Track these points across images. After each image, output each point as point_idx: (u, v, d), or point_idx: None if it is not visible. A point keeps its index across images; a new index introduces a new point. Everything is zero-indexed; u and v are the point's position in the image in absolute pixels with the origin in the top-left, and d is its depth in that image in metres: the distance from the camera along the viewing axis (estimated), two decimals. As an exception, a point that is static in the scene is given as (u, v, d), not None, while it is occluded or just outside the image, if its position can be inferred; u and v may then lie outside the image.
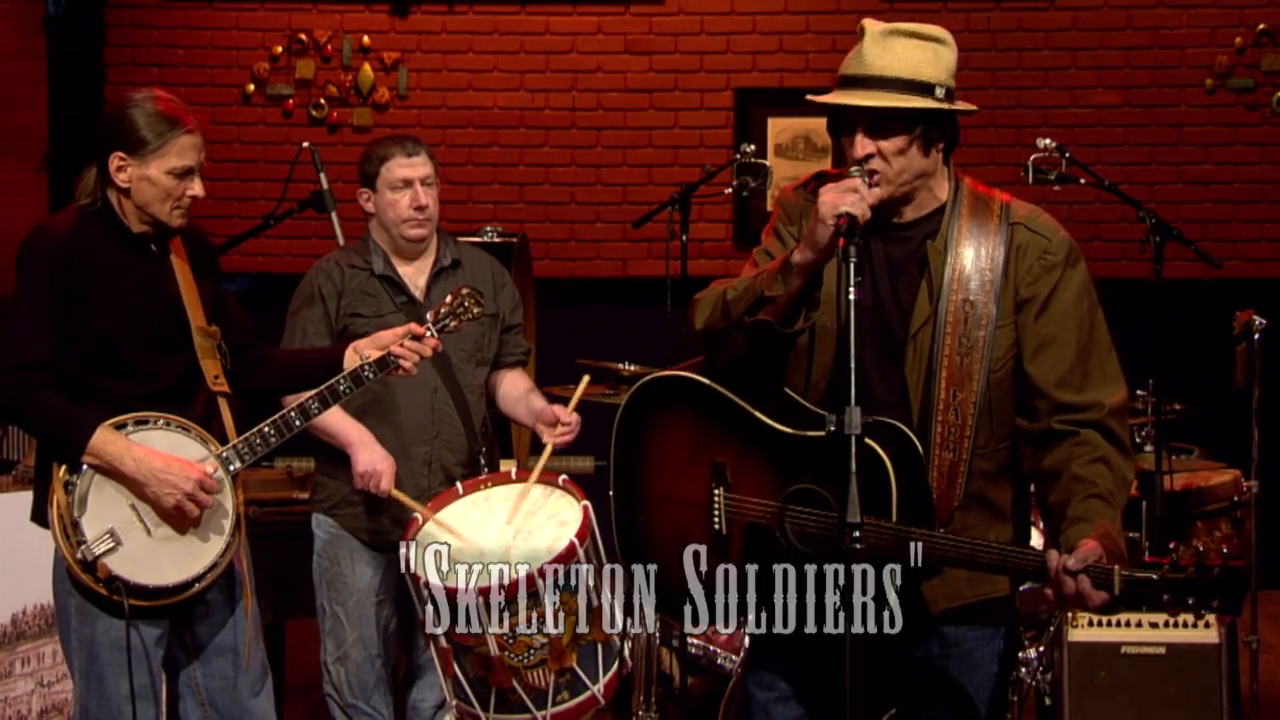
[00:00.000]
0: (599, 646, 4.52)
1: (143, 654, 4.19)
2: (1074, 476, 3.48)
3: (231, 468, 4.23)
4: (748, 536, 3.60)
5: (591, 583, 4.47)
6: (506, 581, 4.38)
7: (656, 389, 3.75)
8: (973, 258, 3.56)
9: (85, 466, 4.08)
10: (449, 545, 4.65)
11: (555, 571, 4.38)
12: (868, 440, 3.37)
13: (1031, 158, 6.24)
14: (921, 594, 3.56)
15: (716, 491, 3.62)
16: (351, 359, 4.40)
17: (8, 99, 9.72)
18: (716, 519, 3.63)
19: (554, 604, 4.39)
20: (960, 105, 3.59)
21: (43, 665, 5.27)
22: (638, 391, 3.78)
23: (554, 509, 4.71)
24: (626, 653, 4.66)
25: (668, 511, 3.74)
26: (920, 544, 3.39)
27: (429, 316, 4.54)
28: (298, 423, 4.30)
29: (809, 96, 3.65)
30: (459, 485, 4.83)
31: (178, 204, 4.19)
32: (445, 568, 4.58)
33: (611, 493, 3.84)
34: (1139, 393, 6.54)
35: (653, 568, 3.76)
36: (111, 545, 4.07)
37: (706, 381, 3.68)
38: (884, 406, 3.54)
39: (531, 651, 4.41)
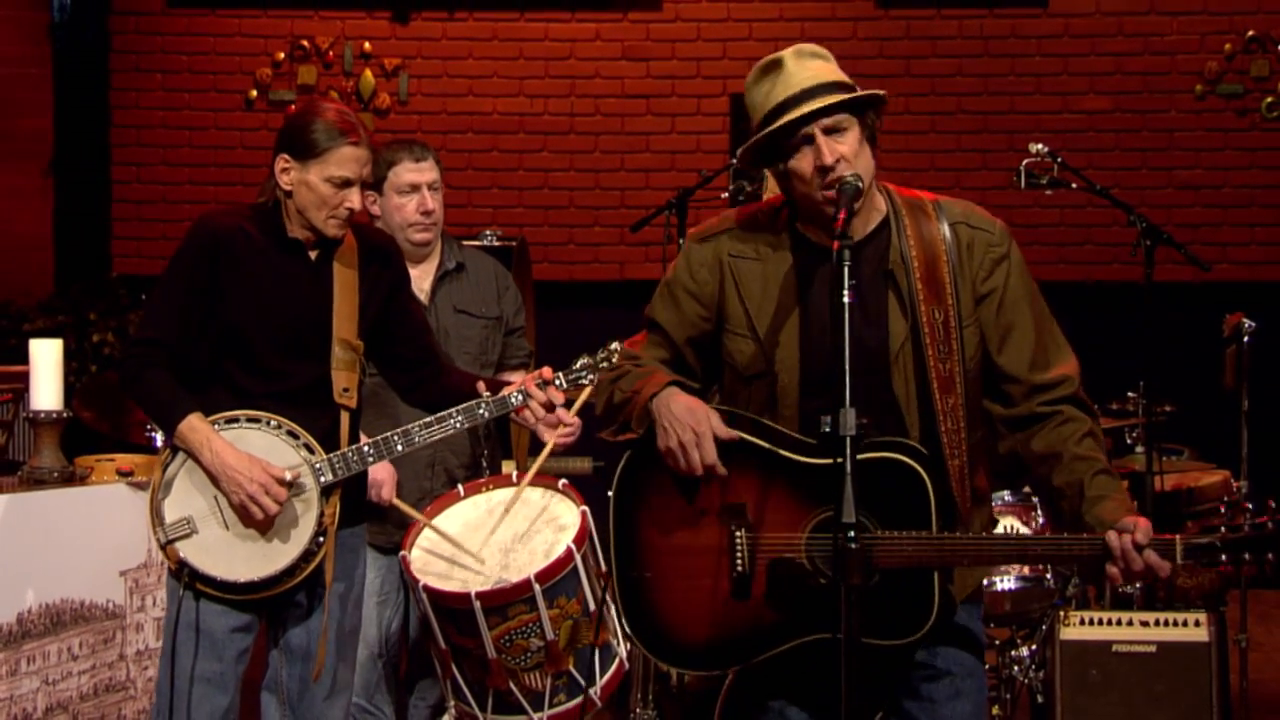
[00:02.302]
0: (595, 650, 4.57)
1: (217, 642, 4.24)
2: (1075, 456, 3.53)
3: (323, 479, 4.24)
4: (773, 572, 3.55)
5: (589, 587, 4.52)
6: (505, 585, 4.44)
7: (652, 445, 3.64)
8: (930, 266, 3.58)
9: (178, 452, 4.17)
10: (449, 549, 4.72)
11: (553, 576, 4.43)
12: (900, 456, 3.43)
13: (1024, 162, 6.27)
14: (951, 594, 3.59)
15: (738, 533, 3.56)
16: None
17: (14, 105, 9.78)
18: (740, 560, 3.56)
19: (551, 608, 4.44)
20: (877, 91, 3.59)
21: (48, 663, 5.28)
22: (632, 453, 3.70)
23: (553, 513, 4.75)
24: (624, 655, 4.69)
25: (676, 563, 3.65)
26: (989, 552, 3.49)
27: (572, 365, 4.52)
28: (399, 447, 4.32)
29: (740, 151, 3.63)
30: (460, 488, 4.88)
31: (333, 213, 4.22)
32: (444, 571, 4.65)
33: (612, 555, 3.70)
34: (1129, 394, 6.58)
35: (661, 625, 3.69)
36: (186, 532, 4.14)
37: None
38: (872, 428, 3.47)
39: (528, 655, 4.46)
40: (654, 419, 3.60)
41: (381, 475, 4.95)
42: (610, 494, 3.73)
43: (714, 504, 3.61)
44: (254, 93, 9.69)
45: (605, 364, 4.50)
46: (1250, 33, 9.49)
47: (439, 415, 4.35)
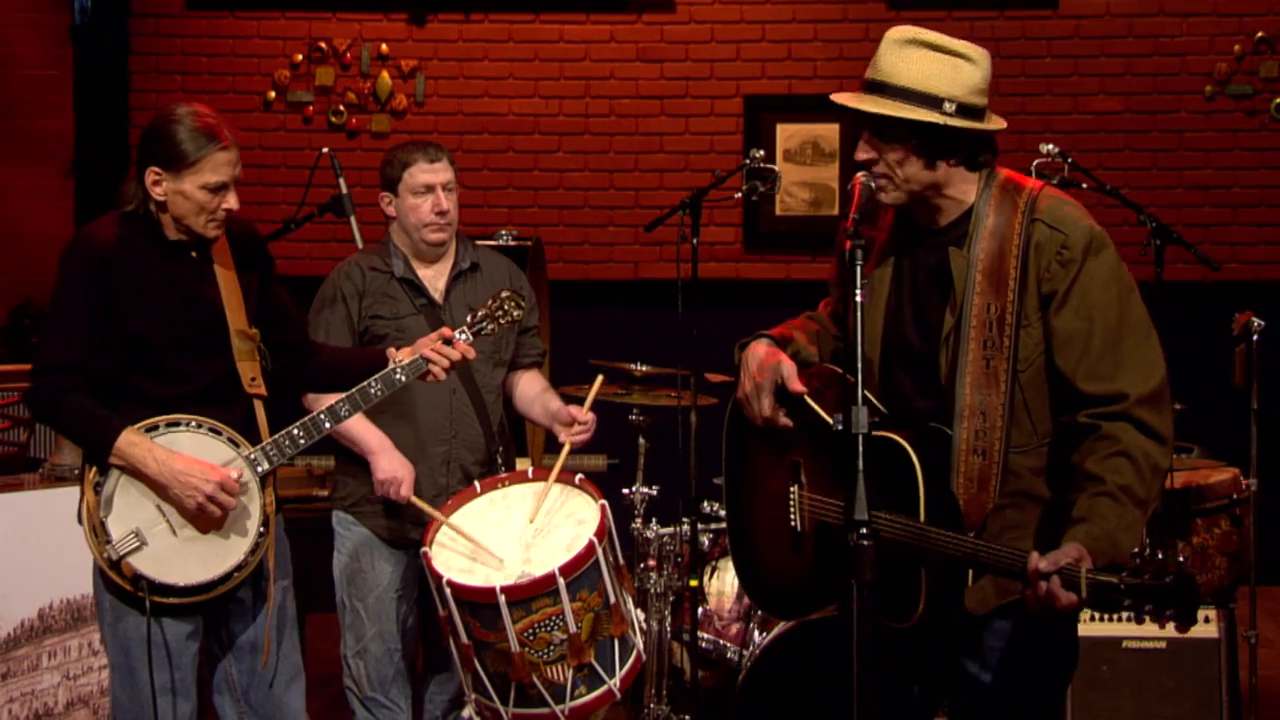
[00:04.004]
0: (615, 642, 4.60)
1: (174, 651, 4.25)
2: (1086, 474, 3.46)
3: (260, 469, 4.27)
4: (819, 534, 3.62)
5: (609, 580, 4.55)
6: (526, 580, 4.48)
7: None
8: (995, 259, 3.54)
9: (112, 468, 4.14)
10: (468, 545, 4.75)
11: (576, 569, 4.46)
12: (898, 438, 3.44)
13: (1034, 163, 6.26)
14: (962, 596, 3.58)
15: (793, 489, 3.65)
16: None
17: (36, 106, 9.82)
18: (794, 517, 3.65)
19: (574, 601, 4.47)
20: (966, 123, 3.55)
21: (69, 658, 5.34)
22: (735, 399, 3.86)
23: (572, 508, 4.78)
24: (641, 646, 4.74)
25: (761, 507, 3.78)
26: (933, 542, 3.43)
27: (467, 319, 4.59)
28: (327, 425, 4.34)
29: (833, 95, 3.67)
30: (477, 484, 4.92)
31: (212, 217, 4.23)
32: (467, 567, 4.68)
33: (724, 496, 3.99)
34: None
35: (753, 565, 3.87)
36: (137, 545, 4.13)
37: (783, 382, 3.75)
38: (926, 415, 3.57)
39: (550, 648, 4.48)
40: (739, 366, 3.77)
41: (401, 474, 5.00)
42: (723, 437, 3.92)
43: (784, 457, 3.71)
44: (272, 94, 9.72)
45: (500, 312, 4.60)
46: (1260, 34, 9.46)
47: (359, 387, 4.37)
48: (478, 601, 4.50)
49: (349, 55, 9.73)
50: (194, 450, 4.18)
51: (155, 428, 4.17)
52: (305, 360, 4.60)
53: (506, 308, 4.63)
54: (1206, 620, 5.70)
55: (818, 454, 3.64)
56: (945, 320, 3.60)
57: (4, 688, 5.12)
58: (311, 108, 9.77)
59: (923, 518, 3.42)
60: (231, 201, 4.25)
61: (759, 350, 3.77)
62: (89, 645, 5.43)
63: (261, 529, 4.28)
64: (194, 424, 4.21)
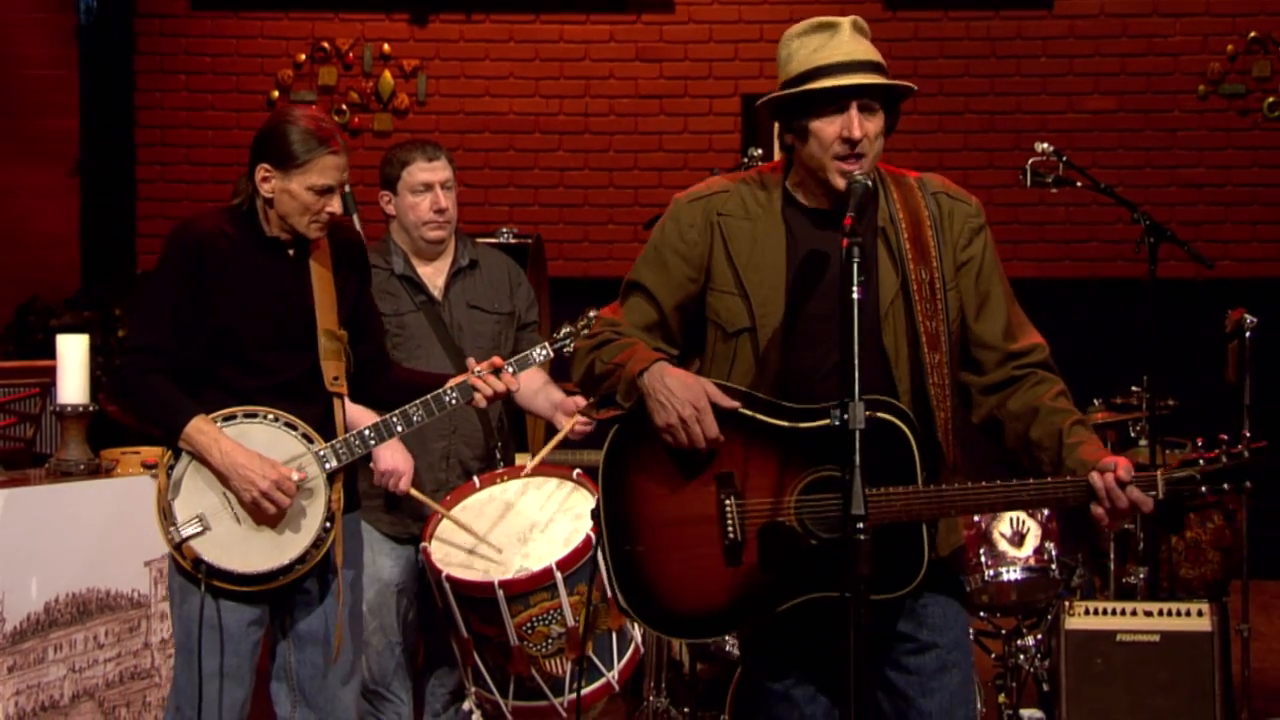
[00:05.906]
0: (613, 635, 4.66)
1: (233, 636, 4.29)
2: (1052, 410, 3.61)
3: (328, 465, 4.31)
4: (764, 538, 3.58)
5: (606, 574, 4.61)
6: (527, 574, 4.52)
7: (640, 420, 3.65)
8: (915, 228, 3.66)
9: (183, 452, 4.22)
10: (467, 540, 4.80)
11: (573, 563, 4.51)
12: (881, 414, 3.47)
13: (1030, 161, 6.30)
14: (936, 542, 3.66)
15: (728, 501, 3.59)
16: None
17: (41, 106, 9.88)
18: (731, 528, 3.58)
19: (571, 595, 4.51)
20: (912, 85, 3.71)
21: (74, 651, 5.35)
22: (620, 429, 3.70)
23: (570, 503, 4.83)
24: (639, 639, 4.78)
25: (669, 535, 3.66)
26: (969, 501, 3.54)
27: (552, 334, 4.61)
28: (399, 428, 4.40)
29: (768, 97, 3.68)
30: (475, 479, 4.98)
31: (315, 218, 4.28)
32: (466, 562, 4.73)
33: (602, 532, 3.70)
34: (1134, 389, 6.63)
35: (657, 596, 3.70)
36: (199, 530, 4.19)
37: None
38: (862, 386, 3.50)
39: (549, 641, 4.53)
40: (645, 395, 3.60)
41: (401, 466, 5.01)
42: (599, 471, 3.70)
43: (702, 474, 3.61)
44: (276, 93, 9.78)
45: (585, 329, 4.60)
46: (1252, 34, 9.54)
47: (434, 394, 4.41)
48: (476, 596, 4.54)
49: (351, 55, 9.79)
50: (265, 443, 4.25)
51: (233, 417, 4.24)
52: (377, 375, 4.64)
53: (593, 326, 4.67)
54: (1199, 614, 5.73)
55: (755, 459, 3.60)
56: (885, 289, 3.64)
57: (10, 681, 5.16)
58: (314, 107, 9.78)
59: (919, 483, 3.49)
60: (335, 205, 4.30)
61: (676, 373, 3.64)
62: (94, 639, 5.45)
63: (326, 524, 4.31)
64: (270, 417, 4.27)
